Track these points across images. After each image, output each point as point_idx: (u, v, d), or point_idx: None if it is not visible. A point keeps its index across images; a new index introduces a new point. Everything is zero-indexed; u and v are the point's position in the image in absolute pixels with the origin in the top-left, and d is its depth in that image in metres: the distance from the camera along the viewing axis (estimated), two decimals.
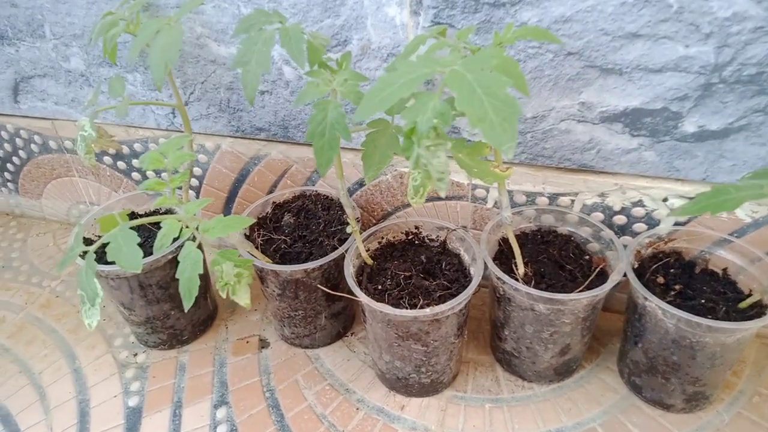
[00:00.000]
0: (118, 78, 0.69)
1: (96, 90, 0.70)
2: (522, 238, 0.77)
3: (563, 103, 0.67)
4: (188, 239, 0.55)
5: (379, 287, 0.69)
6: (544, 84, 0.67)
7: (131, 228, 0.57)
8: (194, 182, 0.94)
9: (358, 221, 0.74)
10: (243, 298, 0.55)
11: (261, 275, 0.75)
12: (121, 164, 0.98)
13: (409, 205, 0.84)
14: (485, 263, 0.68)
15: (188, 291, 0.53)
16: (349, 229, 0.70)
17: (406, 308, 0.65)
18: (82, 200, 1.07)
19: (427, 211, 0.83)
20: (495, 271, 0.67)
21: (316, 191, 0.85)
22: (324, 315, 0.78)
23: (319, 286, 0.71)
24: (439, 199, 0.81)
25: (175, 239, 0.56)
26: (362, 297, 0.64)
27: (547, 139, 0.71)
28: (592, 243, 0.75)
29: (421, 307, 0.65)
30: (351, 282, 0.67)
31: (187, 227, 0.55)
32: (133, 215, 0.87)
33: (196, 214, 0.78)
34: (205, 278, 0.85)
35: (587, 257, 0.74)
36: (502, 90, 0.42)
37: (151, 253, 0.69)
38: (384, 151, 0.56)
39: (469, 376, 0.77)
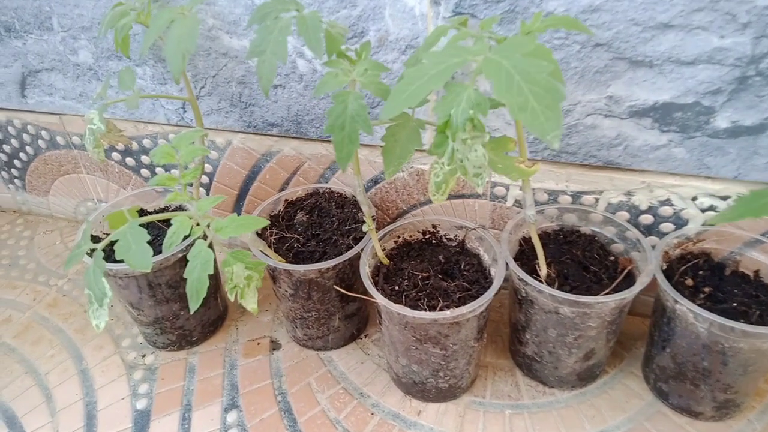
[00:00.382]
0: (128, 69, 0.67)
1: (105, 82, 0.68)
2: (544, 237, 0.74)
3: (590, 96, 0.65)
4: (199, 238, 0.53)
5: (396, 288, 0.67)
6: (570, 77, 0.64)
7: (141, 225, 0.55)
8: (204, 179, 0.92)
9: (374, 220, 0.71)
10: (250, 303, 0.53)
11: (273, 275, 0.73)
12: (129, 161, 0.96)
13: (425, 203, 0.81)
14: (507, 264, 0.65)
15: (196, 292, 0.50)
16: (364, 228, 0.68)
17: (425, 310, 0.63)
18: (89, 197, 1.06)
19: (444, 210, 0.81)
20: (517, 272, 0.64)
21: (330, 189, 0.82)
22: (338, 316, 0.76)
23: (335, 287, 0.69)
24: (457, 197, 0.78)
25: (185, 237, 0.54)
26: (379, 298, 0.62)
27: (572, 135, 0.68)
28: (617, 243, 0.72)
29: (441, 309, 0.62)
30: (367, 282, 0.64)
31: (198, 225, 0.53)
32: (142, 212, 0.85)
33: (208, 211, 0.76)
34: (215, 278, 0.83)
35: (612, 258, 0.71)
36: (543, 76, 0.40)
37: (161, 252, 0.67)
38: (405, 145, 0.53)
39: (488, 381, 0.75)
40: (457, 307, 0.62)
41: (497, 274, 0.64)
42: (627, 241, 0.71)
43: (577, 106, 0.66)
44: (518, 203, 0.76)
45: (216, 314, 0.84)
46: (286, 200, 0.82)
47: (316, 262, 0.71)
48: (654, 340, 0.69)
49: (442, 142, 0.45)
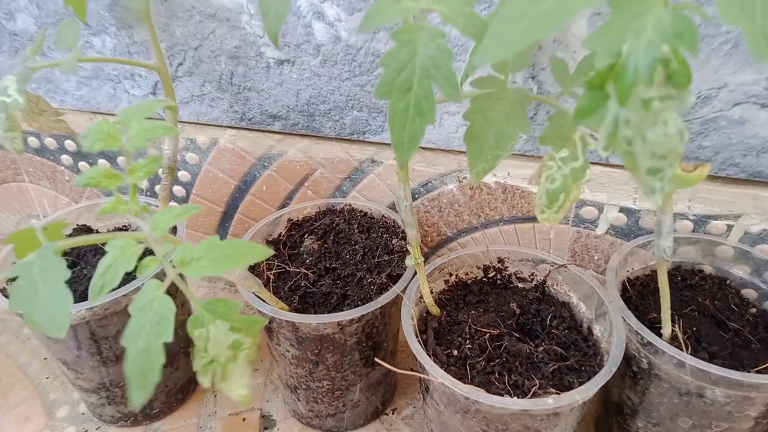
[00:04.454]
0: (72, 22, 0.46)
1: (37, 41, 0.47)
2: (652, 279, 0.53)
3: (742, 77, 0.44)
4: (151, 276, 0.31)
5: (455, 353, 0.45)
6: (717, 47, 0.44)
7: (65, 254, 0.33)
8: (179, 191, 0.70)
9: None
10: (238, 387, 0.31)
11: (269, 326, 0.50)
12: (83, 165, 0.74)
13: (477, 228, 0.60)
14: (624, 320, 0.44)
15: (142, 373, 0.28)
16: (408, 261, 0.46)
17: (508, 392, 0.41)
18: (34, 213, 0.83)
19: (506, 238, 0.59)
20: (642, 333, 0.43)
21: (350, 205, 0.61)
22: (359, 386, 0.54)
23: (378, 361, 0.45)
24: (525, 219, 0.57)
25: (129, 274, 0.32)
26: (437, 374, 0.40)
27: (708, 133, 0.48)
28: (750, 288, 0.51)
29: (535, 394, 0.40)
30: (416, 346, 0.42)
31: (150, 254, 0.31)
32: (86, 232, 0.62)
33: (176, 233, 0.54)
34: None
35: (754, 310, 0.50)
36: None
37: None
38: (502, 129, 0.32)
39: None
40: (554, 387, 0.40)
41: (615, 337, 0.43)
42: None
43: (721, 91, 0.45)
44: (614, 230, 0.55)
45: (186, 376, 0.61)
46: (290, 220, 0.60)
47: (334, 309, 0.49)
48: None
49: (595, 106, 0.25)
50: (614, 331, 0.43)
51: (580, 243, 0.57)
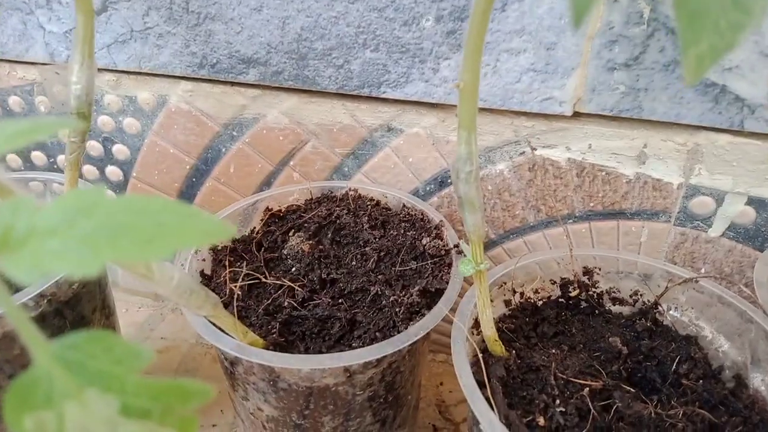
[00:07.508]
0: None
1: None
2: None
3: None
4: None
5: (540, 421, 0.27)
6: None
7: None
8: (114, 173, 0.51)
9: (460, 250, 0.33)
10: None
11: (232, 371, 0.32)
12: None
13: (536, 227, 0.42)
14: None
15: None
16: (465, 267, 0.28)
17: None
18: None
19: (578, 239, 0.42)
20: None
21: (355, 191, 0.43)
22: None
23: None
24: (606, 215, 0.40)
25: None
26: None
27: None
28: None
29: None
30: (490, 417, 0.24)
31: None
32: None
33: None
34: None
35: None
36: None
37: None
38: None
39: None
40: None
41: None
42: None
43: None
44: (735, 231, 0.39)
45: None
46: (269, 210, 0.42)
47: (336, 344, 0.31)
48: None
49: None
50: None
51: (684, 250, 0.40)
